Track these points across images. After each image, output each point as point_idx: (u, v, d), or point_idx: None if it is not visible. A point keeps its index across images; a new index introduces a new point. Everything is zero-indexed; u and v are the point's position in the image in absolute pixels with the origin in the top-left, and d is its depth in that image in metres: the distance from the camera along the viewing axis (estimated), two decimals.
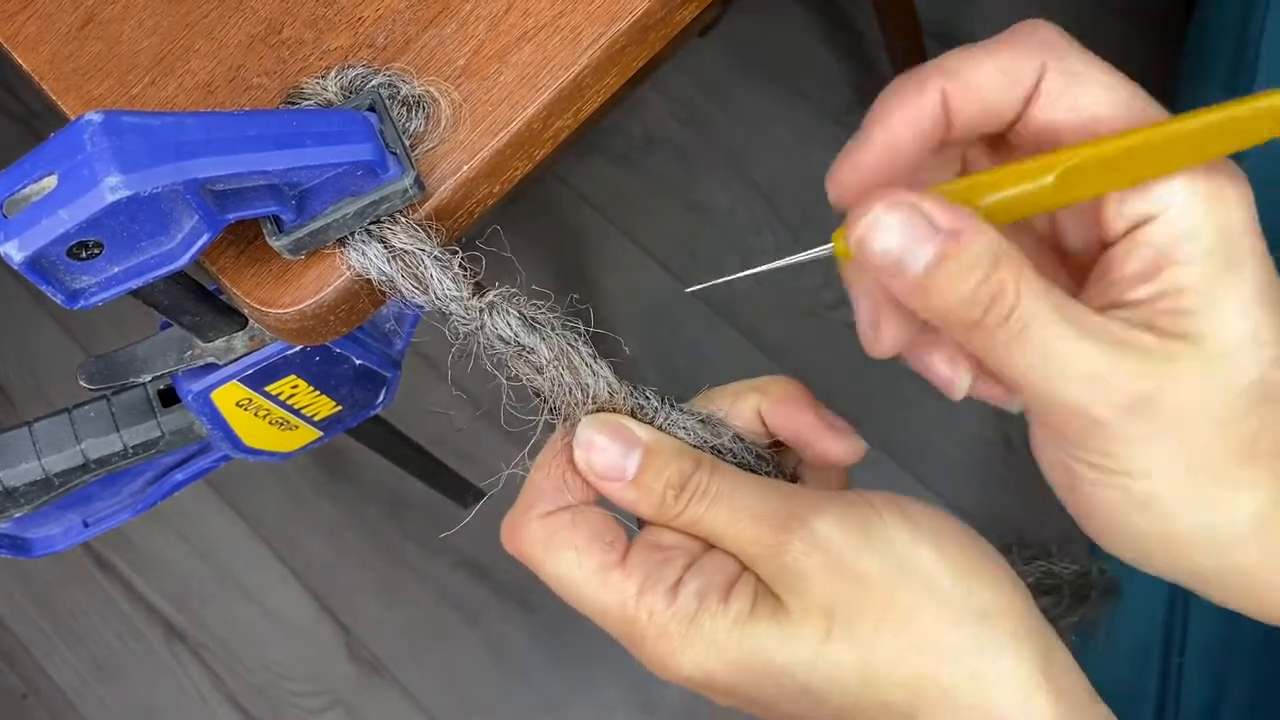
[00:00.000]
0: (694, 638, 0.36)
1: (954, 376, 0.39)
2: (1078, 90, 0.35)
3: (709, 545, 0.38)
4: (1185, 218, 0.34)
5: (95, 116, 0.32)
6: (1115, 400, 0.33)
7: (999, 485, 1.20)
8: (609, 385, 0.38)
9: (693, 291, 0.39)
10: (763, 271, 0.39)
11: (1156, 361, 0.34)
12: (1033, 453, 0.38)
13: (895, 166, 0.37)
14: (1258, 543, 0.35)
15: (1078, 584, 0.44)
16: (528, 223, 1.33)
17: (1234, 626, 0.63)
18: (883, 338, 0.38)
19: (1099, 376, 0.33)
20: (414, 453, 0.91)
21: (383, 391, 0.54)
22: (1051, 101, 0.35)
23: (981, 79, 0.36)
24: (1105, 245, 0.36)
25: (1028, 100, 0.36)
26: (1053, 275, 0.38)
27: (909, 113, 0.36)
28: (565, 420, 0.38)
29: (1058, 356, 0.33)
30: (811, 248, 0.37)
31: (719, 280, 0.39)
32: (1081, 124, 0.35)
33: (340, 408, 0.53)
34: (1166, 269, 0.34)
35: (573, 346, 0.38)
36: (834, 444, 0.41)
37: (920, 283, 0.34)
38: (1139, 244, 0.35)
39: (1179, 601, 0.65)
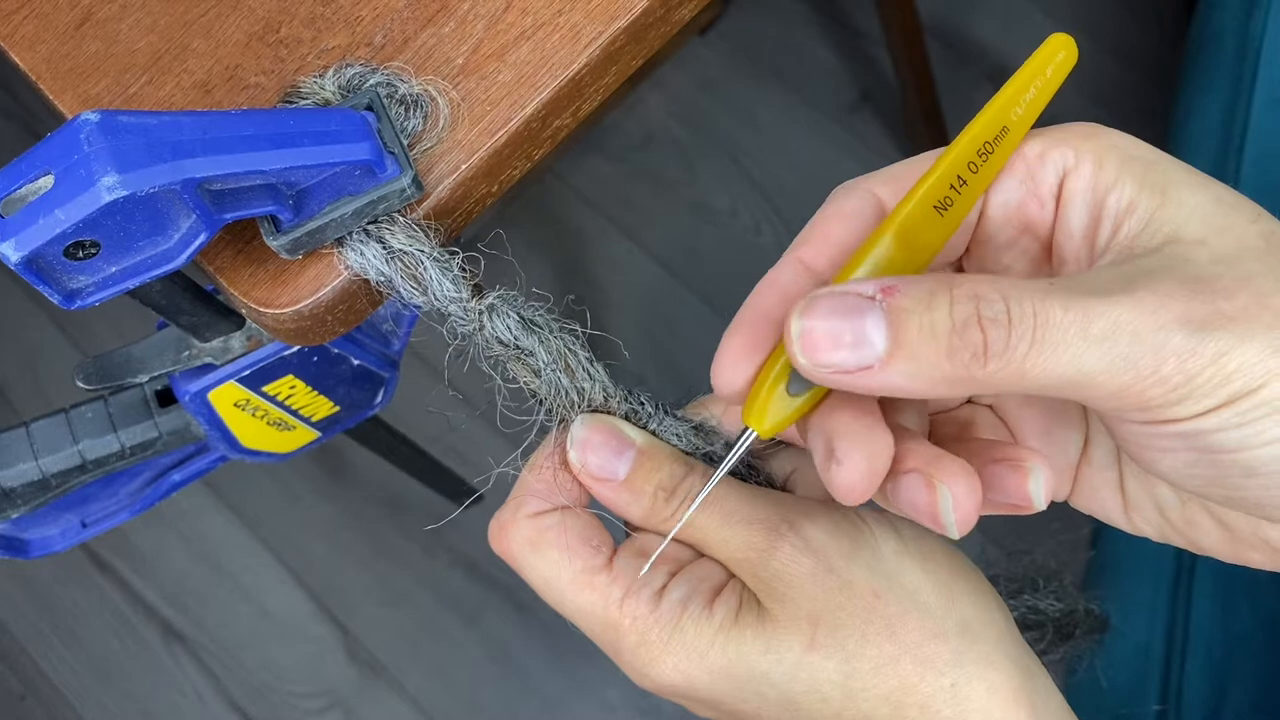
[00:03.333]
0: (676, 644, 0.35)
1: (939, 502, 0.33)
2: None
3: (696, 555, 0.38)
4: (1080, 156, 0.33)
5: (92, 116, 0.32)
6: (1176, 325, 0.29)
7: None
8: (605, 389, 0.38)
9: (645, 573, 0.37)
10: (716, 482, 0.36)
11: (1167, 274, 0.30)
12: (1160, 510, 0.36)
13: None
14: None
15: (1062, 621, 0.43)
16: (527, 222, 1.33)
17: (1235, 628, 0.63)
18: (849, 469, 0.32)
19: (1144, 311, 0.29)
20: (412, 453, 0.91)
21: (380, 392, 0.54)
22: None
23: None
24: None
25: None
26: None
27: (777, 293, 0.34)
28: (560, 423, 0.38)
29: (1096, 327, 0.29)
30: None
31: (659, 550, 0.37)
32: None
33: (338, 408, 0.53)
34: (1104, 197, 0.33)
35: (570, 350, 0.37)
36: None
37: (890, 361, 0.29)
38: (1067, 204, 0.34)
39: (1180, 603, 0.65)
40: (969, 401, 0.39)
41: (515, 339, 0.37)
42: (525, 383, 0.38)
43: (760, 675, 0.35)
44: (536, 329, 0.37)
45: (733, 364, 0.33)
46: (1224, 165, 0.71)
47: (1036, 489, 0.34)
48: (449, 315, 0.38)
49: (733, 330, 0.33)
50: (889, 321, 0.29)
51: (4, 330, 1.35)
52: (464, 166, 0.39)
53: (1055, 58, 0.35)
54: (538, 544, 0.37)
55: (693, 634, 0.35)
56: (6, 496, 0.50)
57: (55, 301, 0.34)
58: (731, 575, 0.37)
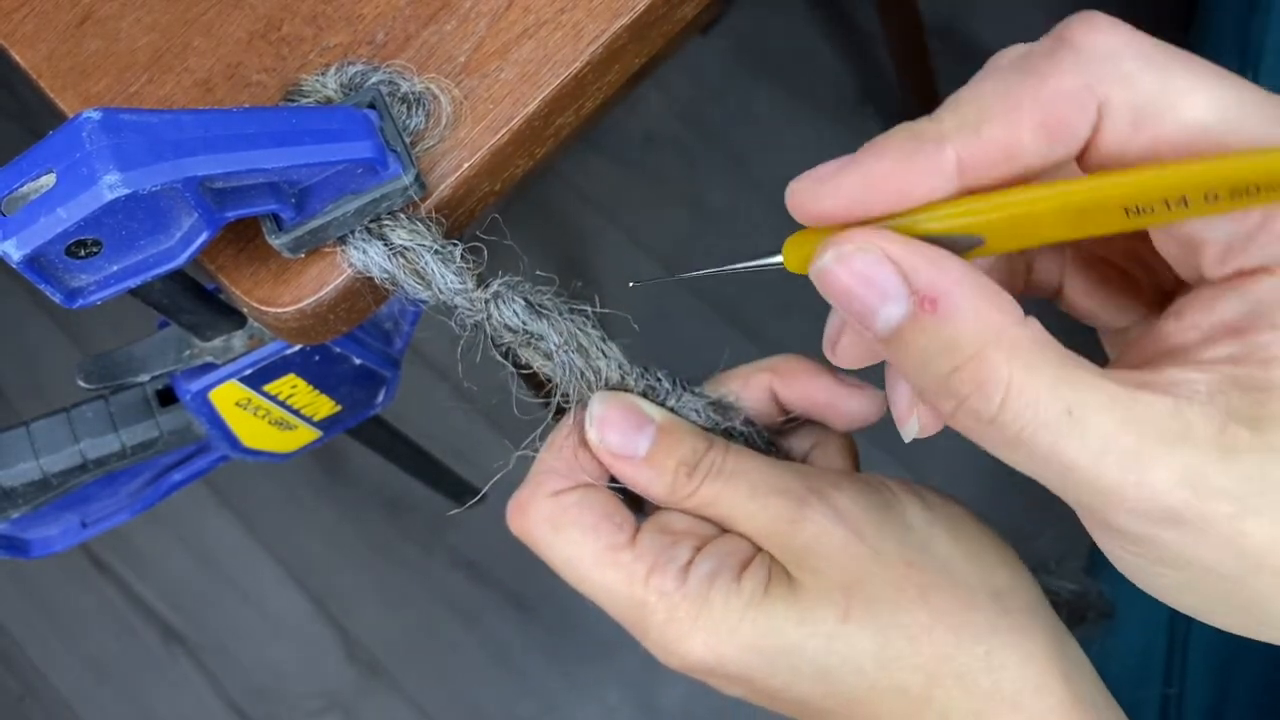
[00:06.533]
0: (705, 619, 0.35)
1: (906, 418, 0.33)
2: (1153, 127, 0.28)
3: (720, 531, 0.37)
4: None
5: (93, 114, 0.32)
6: (1151, 514, 0.27)
7: (999, 485, 1.19)
8: (620, 367, 0.38)
9: (635, 285, 0.37)
10: (711, 274, 0.35)
11: (1205, 457, 0.27)
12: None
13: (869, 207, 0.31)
14: None
15: (1075, 604, 0.43)
16: (528, 221, 1.33)
17: None
18: (839, 354, 0.34)
19: (1132, 480, 0.27)
20: (414, 454, 0.91)
21: (382, 391, 0.54)
22: (1122, 141, 0.29)
23: (1013, 139, 0.29)
24: (1202, 280, 0.30)
25: (1086, 145, 0.29)
26: (1120, 290, 0.35)
27: (901, 174, 0.30)
28: (578, 403, 0.38)
29: (1074, 470, 0.27)
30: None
31: (663, 279, 0.37)
32: (1178, 147, 0.28)
33: (340, 408, 0.53)
34: (1259, 332, 0.28)
35: (582, 330, 0.37)
36: (856, 402, 0.39)
37: (886, 344, 0.29)
38: (1237, 293, 0.29)
39: None
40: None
41: (524, 324, 0.37)
42: (538, 368, 0.37)
43: (793, 648, 0.34)
44: (545, 312, 0.37)
45: (814, 199, 0.31)
46: None
47: (910, 431, 0.33)
48: (455, 308, 0.37)
49: (848, 167, 0.30)
50: (900, 325, 0.29)
51: (4, 330, 1.35)
52: (466, 164, 0.39)
53: None
54: (559, 523, 0.36)
55: (722, 608, 0.35)
56: (7, 496, 0.50)
57: (57, 300, 0.34)
58: (758, 549, 0.36)
